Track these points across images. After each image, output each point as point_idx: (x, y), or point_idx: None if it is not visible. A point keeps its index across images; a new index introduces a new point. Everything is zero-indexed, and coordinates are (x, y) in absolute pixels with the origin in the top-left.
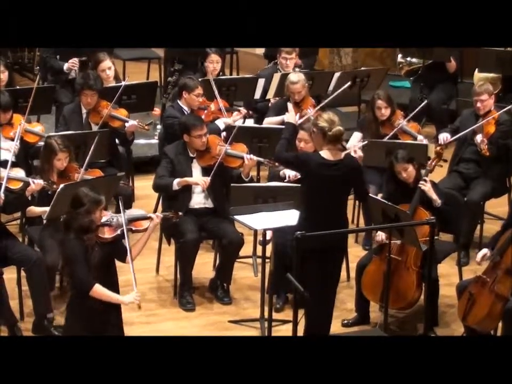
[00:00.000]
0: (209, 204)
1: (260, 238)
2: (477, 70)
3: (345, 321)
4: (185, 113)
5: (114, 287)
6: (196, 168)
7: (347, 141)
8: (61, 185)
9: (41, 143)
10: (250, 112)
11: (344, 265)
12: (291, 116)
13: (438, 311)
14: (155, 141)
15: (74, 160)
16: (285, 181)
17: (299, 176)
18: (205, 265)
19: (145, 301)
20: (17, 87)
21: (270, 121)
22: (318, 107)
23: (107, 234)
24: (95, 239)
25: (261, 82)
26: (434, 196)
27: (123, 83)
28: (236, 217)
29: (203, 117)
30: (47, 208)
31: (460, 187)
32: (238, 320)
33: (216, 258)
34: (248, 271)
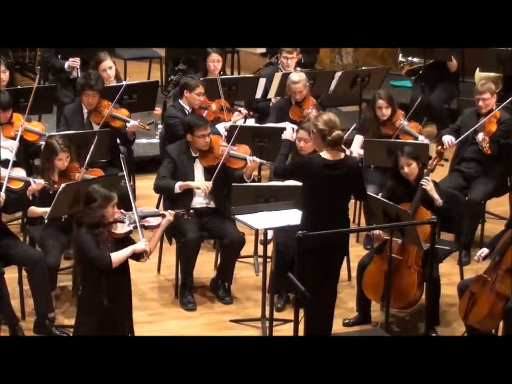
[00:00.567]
0: (210, 204)
1: (261, 237)
2: (478, 69)
3: (346, 321)
4: (187, 112)
5: (127, 286)
6: (198, 168)
7: (349, 143)
8: (62, 185)
9: (41, 142)
10: (251, 112)
11: (345, 265)
12: (288, 134)
13: (439, 310)
14: (156, 140)
15: (75, 160)
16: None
17: None
18: (206, 264)
19: (146, 301)
20: (18, 87)
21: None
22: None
23: (119, 230)
24: (106, 234)
25: (262, 81)
26: (435, 195)
27: (124, 83)
28: (237, 216)
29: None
30: (48, 208)
31: (461, 186)
32: (239, 319)
33: (217, 257)
34: (249, 270)
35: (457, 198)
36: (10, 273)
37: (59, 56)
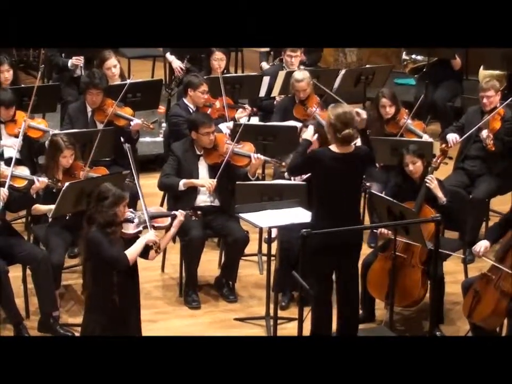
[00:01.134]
0: (214, 202)
1: (265, 235)
2: (482, 67)
3: None
4: (191, 111)
5: (136, 284)
6: (203, 166)
7: None
8: (66, 183)
9: (45, 139)
10: (255, 109)
11: None
12: (309, 134)
13: (444, 308)
14: (160, 139)
15: (79, 158)
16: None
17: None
18: (210, 263)
19: (151, 299)
20: (22, 86)
21: None
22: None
23: (130, 230)
24: (119, 233)
25: (266, 80)
26: (439, 193)
27: (128, 81)
28: (241, 215)
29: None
30: (53, 206)
31: (465, 184)
32: (244, 318)
33: (221, 256)
34: (253, 269)
35: (461, 196)
36: (15, 272)
37: (63, 54)
